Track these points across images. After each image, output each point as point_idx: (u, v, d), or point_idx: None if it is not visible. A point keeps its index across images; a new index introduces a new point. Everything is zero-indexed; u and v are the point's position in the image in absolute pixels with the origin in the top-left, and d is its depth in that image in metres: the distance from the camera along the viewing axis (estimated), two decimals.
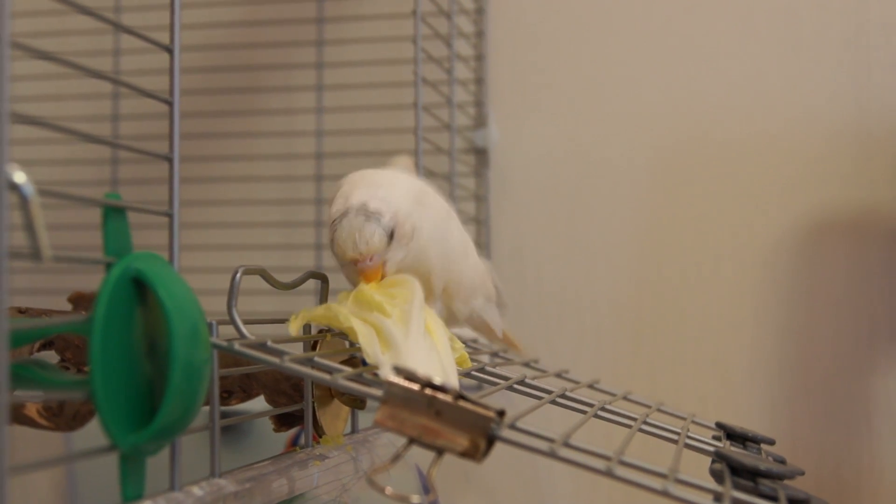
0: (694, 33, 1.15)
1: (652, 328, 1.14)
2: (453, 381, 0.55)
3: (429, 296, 0.65)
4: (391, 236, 0.60)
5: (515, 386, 0.64)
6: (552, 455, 0.47)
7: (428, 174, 0.97)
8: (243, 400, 0.73)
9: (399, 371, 0.47)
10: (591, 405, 0.63)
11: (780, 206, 1.12)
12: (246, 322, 0.56)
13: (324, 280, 0.65)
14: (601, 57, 1.17)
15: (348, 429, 0.73)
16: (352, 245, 0.60)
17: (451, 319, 0.71)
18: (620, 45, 1.16)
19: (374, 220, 0.60)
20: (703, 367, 1.13)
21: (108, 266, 0.47)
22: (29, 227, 0.42)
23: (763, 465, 0.52)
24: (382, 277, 0.61)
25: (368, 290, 0.59)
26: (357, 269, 0.61)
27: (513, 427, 0.48)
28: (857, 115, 1.11)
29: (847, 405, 1.10)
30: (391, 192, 0.62)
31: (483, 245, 1.16)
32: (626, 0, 1.16)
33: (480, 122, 1.17)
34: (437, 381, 0.47)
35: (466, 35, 1.16)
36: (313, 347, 0.62)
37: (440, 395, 0.46)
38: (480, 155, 1.17)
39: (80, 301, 0.84)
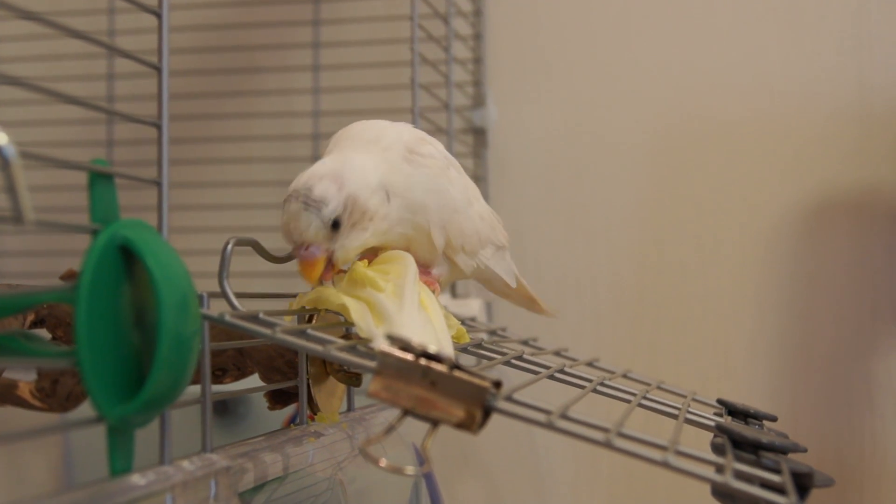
0: (693, 12, 1.14)
1: (652, 310, 1.13)
2: (448, 352, 0.54)
3: (432, 252, 0.63)
4: (336, 225, 0.57)
5: (513, 361, 0.63)
6: (550, 426, 0.45)
7: None
8: (237, 378, 0.72)
9: (394, 340, 0.46)
10: (589, 381, 0.62)
11: (781, 186, 1.11)
12: (238, 295, 0.55)
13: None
14: (600, 36, 1.16)
15: (344, 406, 0.72)
16: (287, 233, 0.57)
17: (456, 275, 0.68)
18: (619, 25, 1.15)
19: (312, 210, 0.56)
20: (704, 348, 1.12)
21: (95, 233, 0.46)
22: (10, 189, 0.41)
23: (765, 438, 0.51)
24: (335, 268, 0.58)
25: (361, 266, 0.58)
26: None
27: (509, 399, 0.47)
28: (859, 93, 1.10)
29: (849, 386, 1.09)
30: (355, 166, 0.58)
31: None
32: None
33: (479, 101, 1.16)
34: (433, 350, 0.45)
35: (464, 13, 1.14)
36: (308, 319, 0.61)
37: (435, 366, 0.45)
38: (479, 135, 1.16)
39: (73, 279, 0.83)
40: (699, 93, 1.13)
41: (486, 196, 1.16)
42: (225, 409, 1.04)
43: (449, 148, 1.06)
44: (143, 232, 0.47)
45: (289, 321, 0.58)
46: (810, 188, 1.11)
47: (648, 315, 1.13)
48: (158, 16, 0.54)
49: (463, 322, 0.80)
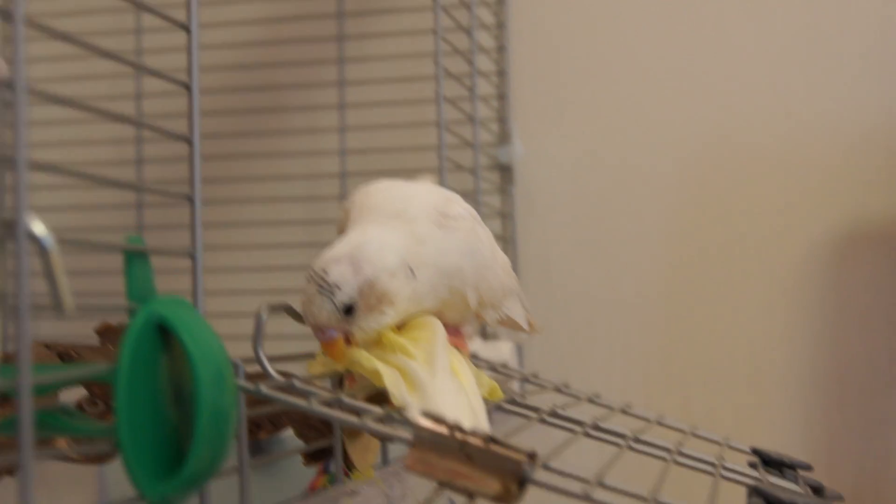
0: (717, 41, 1.14)
1: (682, 342, 1.13)
2: (483, 423, 0.54)
3: (464, 312, 0.63)
4: (350, 310, 0.57)
5: (547, 419, 0.63)
6: (587, 498, 0.46)
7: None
8: (272, 432, 0.73)
9: (427, 415, 0.46)
10: (623, 435, 0.62)
11: (809, 216, 1.11)
12: (272, 359, 0.56)
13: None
14: (623, 68, 1.16)
15: (379, 460, 0.72)
16: (304, 314, 0.57)
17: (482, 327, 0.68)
18: (642, 56, 1.15)
19: (326, 294, 0.56)
20: (735, 380, 1.12)
21: (132, 312, 0.47)
22: (50, 278, 0.41)
23: (800, 501, 0.51)
24: (352, 344, 0.58)
25: (390, 333, 0.58)
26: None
27: (545, 467, 0.47)
28: (886, 121, 1.10)
29: (884, 420, 1.08)
30: (375, 246, 0.58)
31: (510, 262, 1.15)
32: (647, 11, 1.15)
33: (504, 138, 1.16)
34: (467, 425, 0.46)
35: (487, 50, 1.15)
36: (339, 382, 0.62)
37: (471, 439, 0.45)
38: (505, 172, 1.16)
39: (108, 333, 0.83)
40: (724, 121, 1.13)
41: (513, 232, 1.16)
42: (259, 449, 1.05)
43: (475, 185, 1.07)
44: (179, 309, 0.48)
45: (319, 371, 0.58)
46: (838, 218, 1.10)
47: (679, 347, 1.13)
48: (188, 31, 0.55)
49: (494, 368, 0.80)
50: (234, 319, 0.77)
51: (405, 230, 0.60)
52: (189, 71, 0.55)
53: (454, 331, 0.63)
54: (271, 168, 1.22)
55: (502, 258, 0.69)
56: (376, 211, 0.61)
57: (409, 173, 1.14)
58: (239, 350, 0.57)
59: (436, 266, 0.60)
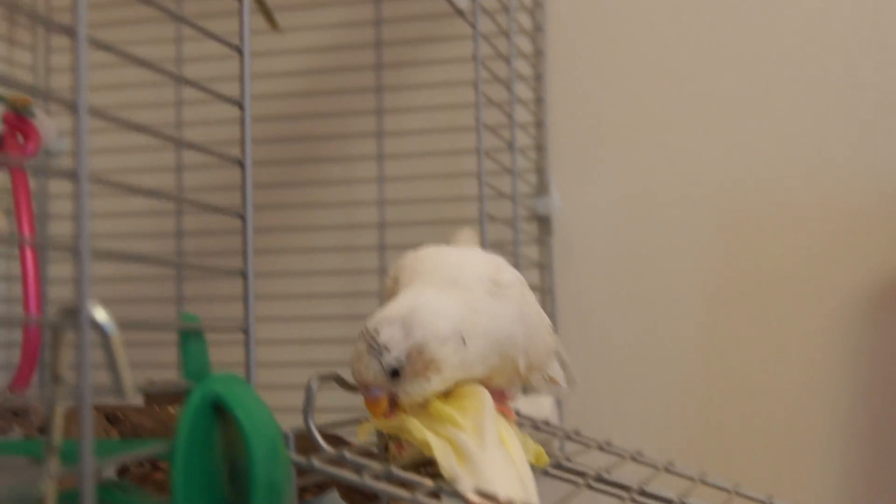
0: (754, 91, 1.14)
1: (722, 395, 1.13)
2: (532, 495, 0.54)
3: (513, 377, 0.64)
4: (396, 373, 0.57)
5: (593, 484, 0.63)
6: None
7: (490, 244, 0.97)
8: (317, 494, 0.73)
9: (479, 492, 0.47)
10: (669, 500, 0.62)
11: (847, 266, 1.11)
12: (322, 429, 0.56)
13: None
14: (661, 119, 1.16)
15: None
16: (353, 370, 0.59)
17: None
18: (679, 106, 1.16)
19: (374, 354, 0.57)
20: (775, 434, 1.11)
21: (188, 390, 0.47)
22: (112, 363, 0.42)
23: None
24: (401, 409, 0.59)
25: (438, 402, 0.58)
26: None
27: None
28: None
29: None
30: (430, 311, 0.59)
31: (548, 314, 1.15)
32: (684, 61, 1.16)
33: (541, 189, 1.16)
34: (518, 499, 0.46)
35: (525, 102, 1.16)
36: (386, 447, 0.62)
37: None
38: (543, 223, 1.16)
39: (154, 389, 0.84)
40: (762, 170, 1.13)
41: (551, 284, 1.17)
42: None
43: (514, 237, 1.07)
44: (233, 386, 0.49)
45: (367, 432, 0.59)
46: (877, 267, 1.10)
47: (718, 400, 1.13)
48: (241, 107, 0.56)
49: (537, 426, 0.80)
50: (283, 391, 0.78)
51: (460, 298, 0.60)
52: (242, 144, 0.56)
53: (499, 395, 0.63)
54: (308, 218, 1.23)
55: (545, 318, 0.70)
56: (430, 275, 0.62)
57: (447, 223, 1.15)
58: (289, 420, 0.58)
59: (488, 335, 0.60)
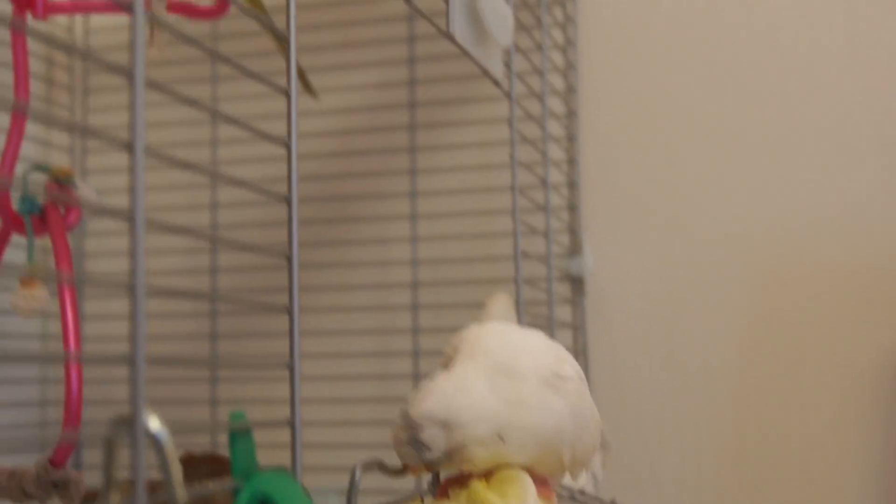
0: (790, 155, 1.14)
1: (755, 454, 1.12)
2: None
3: (555, 469, 0.64)
4: (434, 463, 0.61)
5: None
6: None
7: (524, 304, 0.97)
8: None
9: None
10: None
11: (882, 322, 1.10)
12: None
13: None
14: (692, 178, 1.16)
15: None
16: (393, 444, 0.61)
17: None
18: (713, 168, 1.16)
19: (415, 448, 0.60)
20: (809, 493, 1.11)
21: (237, 490, 0.48)
22: (165, 471, 0.43)
23: None
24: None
25: (481, 487, 0.59)
26: None
27: None
28: None
29: None
30: (474, 407, 0.60)
31: None
32: (715, 120, 1.16)
33: (575, 249, 1.17)
34: None
35: (558, 162, 1.16)
36: None
37: None
38: (576, 283, 1.17)
39: (190, 464, 0.85)
40: (795, 229, 1.13)
41: (584, 345, 1.17)
42: None
43: (549, 297, 1.07)
44: (280, 483, 0.49)
45: None
46: None
47: (752, 461, 1.12)
48: (288, 148, 0.58)
49: (574, 497, 0.80)
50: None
51: (508, 390, 0.61)
52: (289, 182, 0.57)
53: (542, 480, 0.63)
54: (341, 277, 1.24)
55: (596, 414, 0.69)
56: (486, 358, 0.62)
57: (481, 284, 1.15)
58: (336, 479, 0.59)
59: (533, 429, 0.60)
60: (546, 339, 0.66)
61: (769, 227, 1.14)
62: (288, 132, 0.58)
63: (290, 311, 0.56)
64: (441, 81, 1.21)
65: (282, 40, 0.58)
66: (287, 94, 0.58)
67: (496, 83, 0.90)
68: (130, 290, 0.41)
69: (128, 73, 0.42)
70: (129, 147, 0.42)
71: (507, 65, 0.94)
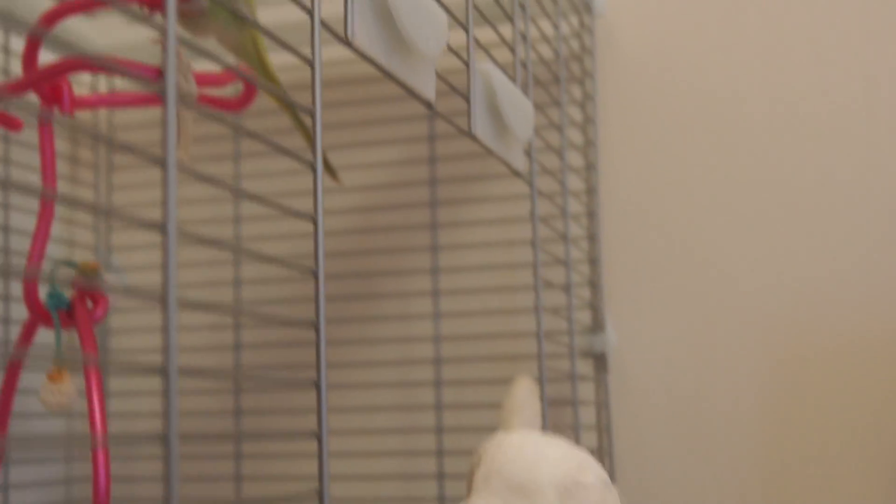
0: (810, 223, 1.14)
1: None
2: None
3: None
4: None
5: None
6: None
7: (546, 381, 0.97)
8: None
9: None
10: None
11: None
12: None
13: None
14: (714, 254, 1.17)
15: None
16: None
17: None
18: (733, 241, 1.16)
19: None
20: None
21: None
22: None
23: None
24: None
25: None
26: None
27: None
28: None
29: None
30: None
31: (605, 453, 1.15)
32: (734, 196, 1.17)
33: (597, 326, 1.17)
34: None
35: (579, 238, 1.17)
36: None
37: None
38: (598, 360, 1.16)
39: None
40: (820, 305, 1.13)
41: (608, 421, 1.16)
42: None
43: (572, 373, 1.07)
44: None
45: None
46: None
47: None
48: (315, 222, 0.58)
49: None
50: None
51: None
52: (315, 256, 0.58)
53: None
54: (363, 354, 1.24)
55: None
56: (500, 480, 0.62)
57: (503, 360, 1.15)
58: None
59: None
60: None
61: (791, 298, 1.14)
62: (314, 207, 0.59)
63: (317, 384, 0.56)
64: (461, 158, 1.22)
65: (305, 128, 0.59)
66: (313, 168, 0.59)
67: (517, 174, 0.91)
68: (162, 372, 0.42)
69: (160, 161, 0.43)
70: (163, 228, 0.43)
71: (528, 153, 0.95)
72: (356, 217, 1.27)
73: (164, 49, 0.46)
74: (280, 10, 0.95)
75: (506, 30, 0.92)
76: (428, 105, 0.73)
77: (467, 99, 0.79)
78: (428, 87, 0.71)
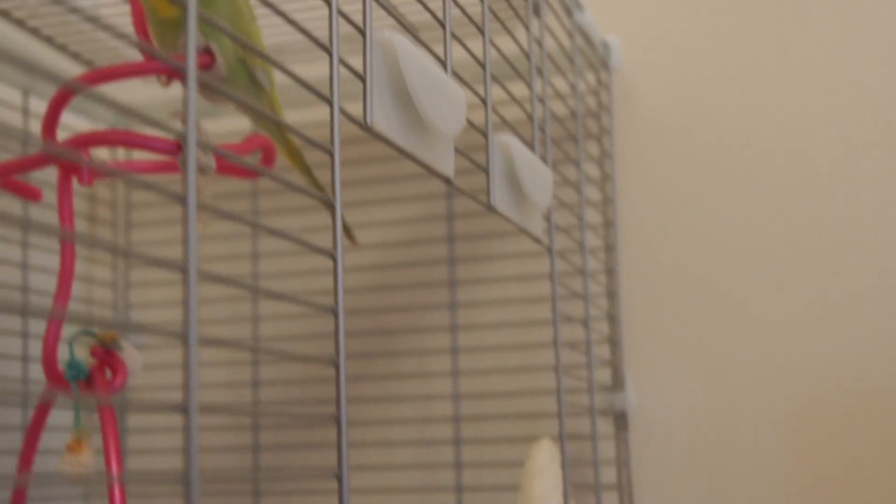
0: (834, 283, 1.14)
1: None
2: None
3: None
4: None
5: None
6: None
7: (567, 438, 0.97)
8: None
9: None
10: None
11: None
12: None
13: None
14: (735, 312, 1.16)
15: None
16: None
17: None
18: (755, 300, 1.16)
19: None
20: None
21: None
22: None
23: None
24: None
25: None
26: None
27: None
28: None
29: None
30: None
31: None
32: (756, 254, 1.16)
33: (617, 384, 1.16)
34: None
35: (598, 295, 1.17)
36: None
37: None
38: (619, 418, 1.16)
39: None
40: (841, 365, 1.12)
41: (628, 479, 1.15)
42: None
43: (592, 432, 1.06)
44: None
45: None
46: None
47: None
48: (334, 259, 0.58)
49: None
50: None
51: None
52: (335, 293, 0.57)
53: None
54: (382, 412, 1.24)
55: None
56: None
57: (523, 419, 1.15)
58: None
59: None
60: None
61: (814, 358, 1.13)
62: (333, 244, 0.59)
63: (338, 420, 0.56)
64: (479, 215, 1.22)
65: (322, 188, 0.59)
66: (331, 206, 0.59)
67: (537, 240, 0.91)
68: (183, 409, 0.42)
69: (182, 268, 0.44)
70: (185, 339, 0.43)
71: (546, 216, 0.95)
72: (374, 274, 1.27)
73: (185, 122, 0.46)
74: (298, 67, 0.95)
75: (522, 87, 0.92)
76: (447, 181, 0.73)
77: (486, 171, 0.79)
78: (447, 165, 0.72)
